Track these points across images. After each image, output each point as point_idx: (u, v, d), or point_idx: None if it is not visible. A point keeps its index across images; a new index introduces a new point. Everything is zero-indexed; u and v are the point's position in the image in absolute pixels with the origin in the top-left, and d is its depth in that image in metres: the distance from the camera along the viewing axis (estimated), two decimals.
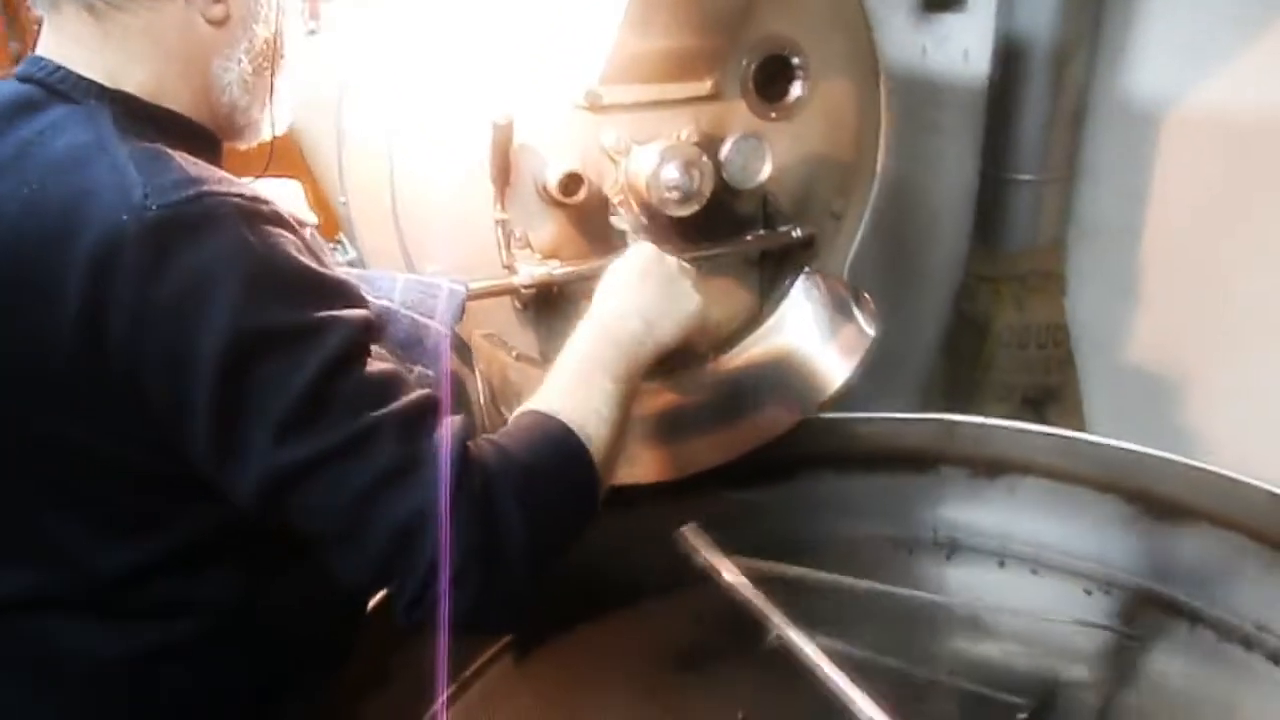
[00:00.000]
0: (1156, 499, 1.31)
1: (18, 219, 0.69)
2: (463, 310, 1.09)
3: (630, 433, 0.91)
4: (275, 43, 0.81)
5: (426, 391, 0.76)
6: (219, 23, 0.77)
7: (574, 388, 0.85)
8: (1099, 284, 1.97)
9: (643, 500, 1.31)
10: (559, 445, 0.79)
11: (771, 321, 1.39)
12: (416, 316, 1.06)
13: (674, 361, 1.33)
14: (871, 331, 1.35)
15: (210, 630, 0.79)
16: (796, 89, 1.29)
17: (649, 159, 1.16)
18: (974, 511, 1.43)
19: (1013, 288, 1.94)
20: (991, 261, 1.96)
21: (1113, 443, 1.33)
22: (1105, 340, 1.99)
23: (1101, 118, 1.85)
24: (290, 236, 0.73)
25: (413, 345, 1.05)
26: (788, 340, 1.39)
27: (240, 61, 0.79)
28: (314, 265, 0.74)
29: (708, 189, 1.18)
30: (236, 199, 0.71)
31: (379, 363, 0.76)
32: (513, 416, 0.84)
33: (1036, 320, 1.96)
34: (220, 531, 0.77)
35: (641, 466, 1.31)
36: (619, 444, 0.85)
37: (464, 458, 0.73)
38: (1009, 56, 1.82)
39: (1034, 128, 1.83)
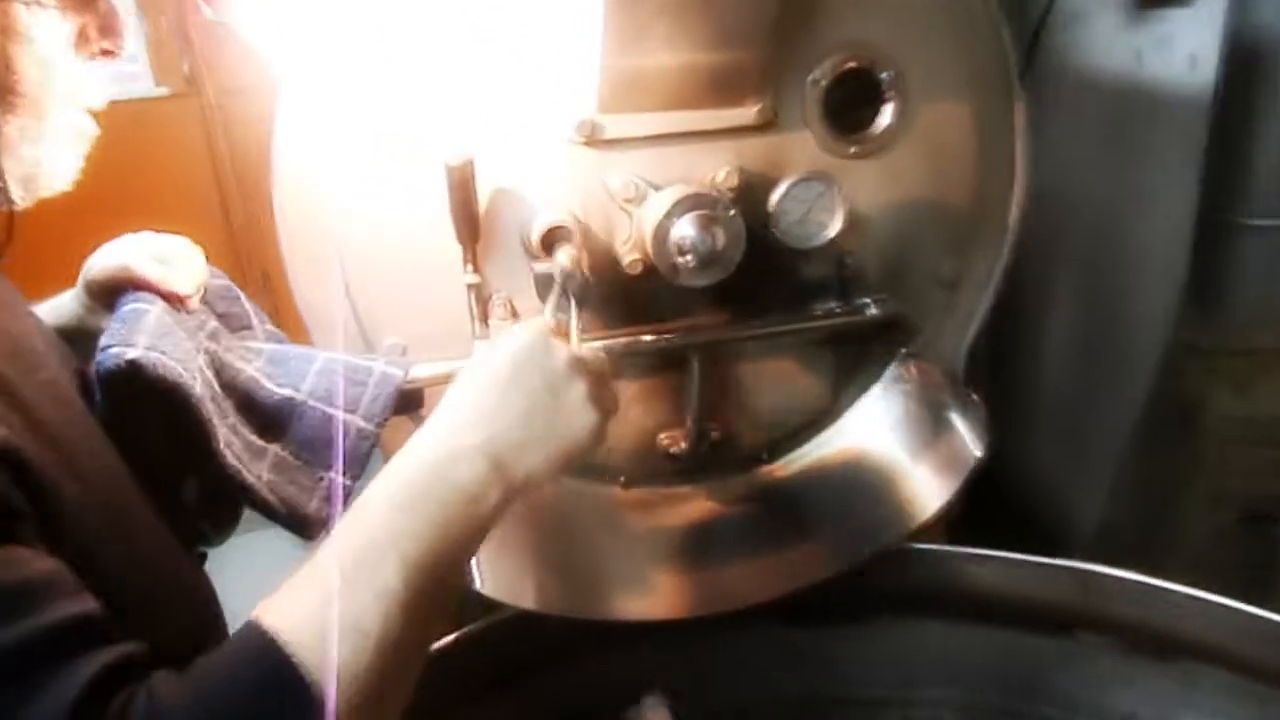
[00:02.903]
0: None
1: None
2: (395, 401, 0.86)
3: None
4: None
5: (70, 614, 0.54)
6: None
7: (343, 573, 0.58)
8: None
9: (659, 636, 1.03)
10: (265, 680, 0.54)
11: (848, 420, 1.07)
12: (329, 409, 0.84)
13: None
14: (977, 450, 0.99)
15: None
16: (886, 115, 0.96)
17: (656, 210, 0.88)
18: (1131, 699, 1.03)
19: (1235, 365, 1.47)
20: (1208, 330, 1.50)
21: None
22: None
23: None
24: None
25: (321, 446, 0.83)
26: (868, 446, 1.05)
27: None
28: None
29: (735, 251, 0.88)
30: None
31: (14, 570, 0.54)
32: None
33: (1269, 410, 1.47)
34: None
35: (662, 598, 1.03)
36: (394, 660, 0.57)
37: (89, 704, 0.51)
38: (1243, 63, 1.36)
39: (1276, 157, 1.36)
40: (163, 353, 0.72)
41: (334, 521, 0.82)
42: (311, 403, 0.83)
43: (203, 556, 0.86)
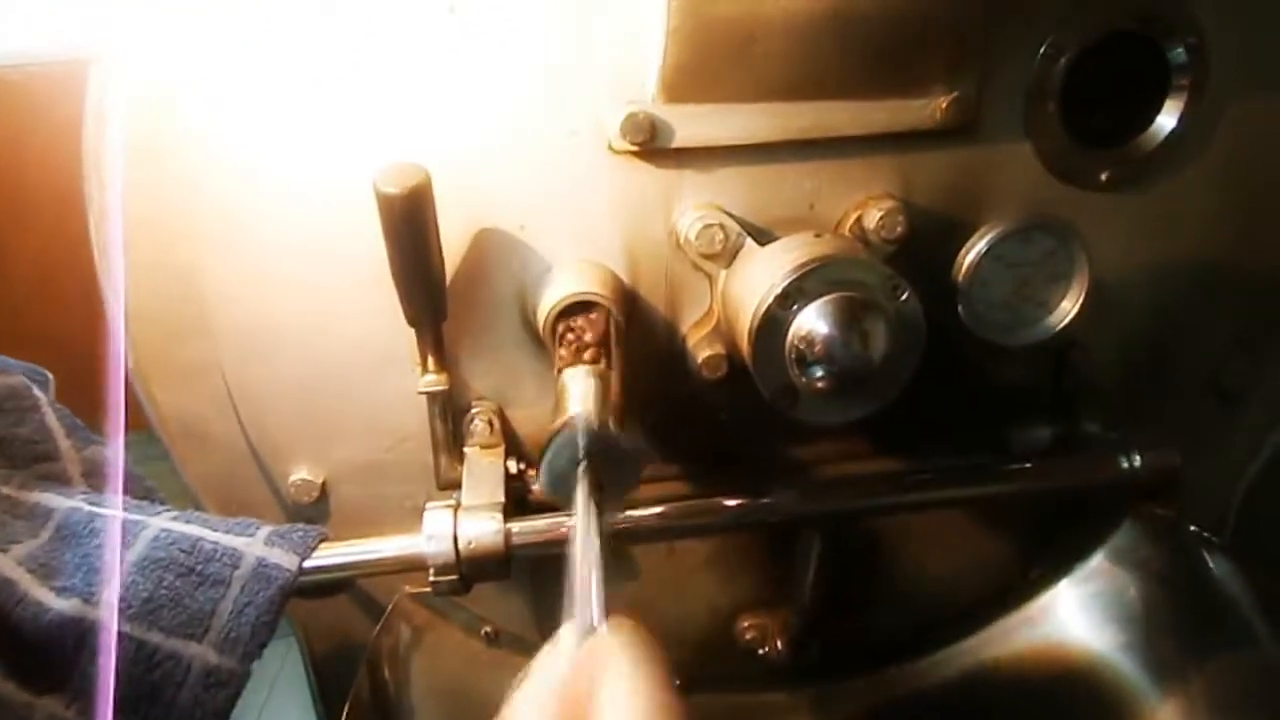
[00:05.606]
0: None
1: None
2: (279, 610, 0.48)
3: None
4: None
5: None
6: None
7: None
8: None
9: None
10: None
11: (1043, 606, 0.66)
12: (148, 635, 0.46)
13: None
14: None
15: None
16: (1171, 117, 0.54)
17: (761, 280, 0.48)
18: None
19: None
20: None
21: None
22: None
23: None
24: None
25: (136, 700, 0.45)
26: (1076, 649, 0.65)
27: None
28: None
29: (905, 364, 0.48)
30: None
31: None
32: None
33: None
34: None
35: None
36: None
37: None
38: None
39: None
40: None
41: None
42: (116, 624, 0.45)
43: None
